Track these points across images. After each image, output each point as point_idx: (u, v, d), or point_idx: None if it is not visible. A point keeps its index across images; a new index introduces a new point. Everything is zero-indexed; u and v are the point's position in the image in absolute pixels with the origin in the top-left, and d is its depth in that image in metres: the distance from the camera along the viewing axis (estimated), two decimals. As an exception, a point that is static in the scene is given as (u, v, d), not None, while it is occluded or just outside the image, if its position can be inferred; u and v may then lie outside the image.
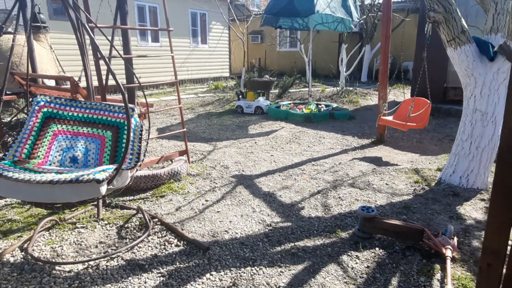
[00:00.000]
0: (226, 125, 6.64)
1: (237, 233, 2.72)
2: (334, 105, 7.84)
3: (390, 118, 5.00)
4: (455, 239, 2.50)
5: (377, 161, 4.44)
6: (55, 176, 2.04)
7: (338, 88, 9.76)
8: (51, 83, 5.92)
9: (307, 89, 10.44)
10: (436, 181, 3.72)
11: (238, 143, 5.33)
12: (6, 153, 2.34)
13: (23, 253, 2.47)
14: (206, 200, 3.31)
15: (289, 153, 4.83)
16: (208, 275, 2.22)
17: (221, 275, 2.22)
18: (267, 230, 2.77)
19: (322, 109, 7.40)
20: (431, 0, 3.35)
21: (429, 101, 4.50)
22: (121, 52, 3.37)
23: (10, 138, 5.31)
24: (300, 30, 9.67)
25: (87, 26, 2.19)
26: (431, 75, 4.46)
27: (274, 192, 3.49)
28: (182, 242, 2.59)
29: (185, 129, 4.12)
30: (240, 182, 3.75)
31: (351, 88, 9.70)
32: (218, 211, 3.08)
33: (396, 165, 4.31)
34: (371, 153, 4.83)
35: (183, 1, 11.44)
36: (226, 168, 4.19)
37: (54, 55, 6.30)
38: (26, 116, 5.76)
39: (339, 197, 3.36)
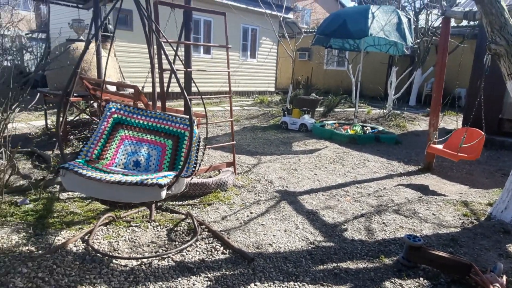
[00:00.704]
0: (270, 139, 6.77)
1: (280, 248, 2.79)
2: (380, 128, 7.73)
3: (440, 146, 4.87)
4: (504, 277, 2.41)
5: (424, 190, 4.34)
6: (122, 177, 2.25)
7: (385, 110, 9.59)
8: (113, 88, 6.38)
9: (352, 109, 10.37)
10: (486, 216, 3.57)
11: (282, 158, 5.42)
12: (80, 152, 2.60)
13: (84, 244, 2.70)
14: (251, 212, 3.42)
15: (332, 173, 4.84)
16: (252, 284, 2.31)
17: (265, 286, 2.30)
18: (310, 247, 2.82)
19: (367, 131, 7.33)
20: (493, 33, 3.29)
21: (483, 133, 4.35)
22: (181, 65, 3.62)
23: (72, 136, 5.78)
24: (350, 51, 9.67)
25: (162, 44, 2.42)
26: (486, 105, 4.31)
27: (317, 211, 3.53)
28: (228, 250, 2.70)
29: (234, 142, 4.29)
30: (283, 198, 3.83)
31: (398, 112, 9.50)
32: (262, 224, 3.18)
33: (444, 195, 4.18)
34: (417, 180, 4.72)
35: (236, 17, 11.89)
36: (270, 182, 4.29)
37: (117, 62, 6.81)
38: (87, 116, 6.20)
39: (383, 223, 3.34)
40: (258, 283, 2.33)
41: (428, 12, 10.29)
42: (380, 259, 2.70)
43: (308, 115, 7.97)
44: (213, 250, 2.70)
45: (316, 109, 9.31)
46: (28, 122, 6.99)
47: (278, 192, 4.01)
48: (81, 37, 6.48)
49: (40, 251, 2.56)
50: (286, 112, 8.15)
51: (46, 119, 6.37)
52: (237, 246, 2.73)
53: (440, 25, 5.29)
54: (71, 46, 5.87)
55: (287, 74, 16.98)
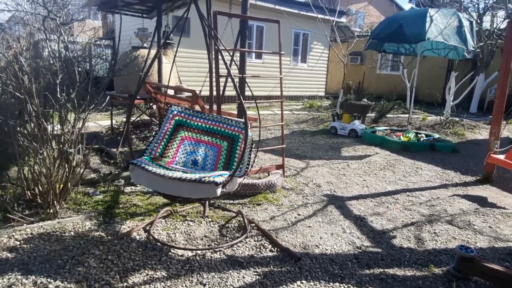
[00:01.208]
0: (319, 144, 6.80)
1: (327, 250, 2.86)
2: (436, 135, 7.41)
3: (501, 157, 4.60)
4: None
5: (481, 201, 4.14)
6: (182, 174, 2.47)
7: (442, 117, 9.16)
8: (171, 91, 6.81)
9: (406, 115, 10.03)
10: (553, 233, 3.34)
11: (331, 163, 5.45)
12: (145, 150, 2.89)
13: (146, 233, 2.97)
14: (299, 214, 3.52)
15: (382, 180, 4.78)
16: (298, 282, 2.41)
17: (311, 285, 2.39)
18: (356, 252, 2.86)
19: (421, 139, 7.07)
20: None
21: (552, 143, 4.05)
22: (237, 71, 3.82)
23: (134, 136, 6.27)
24: (405, 55, 9.37)
25: (221, 51, 2.62)
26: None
27: (365, 217, 3.53)
28: (275, 248, 2.83)
29: (284, 146, 4.42)
30: (331, 202, 3.88)
31: (457, 119, 9.03)
32: (309, 226, 3.26)
33: (504, 208, 3.96)
34: (474, 191, 4.51)
35: (288, 22, 12.03)
36: (318, 186, 4.36)
37: (176, 67, 7.26)
38: (147, 117, 6.65)
39: (435, 233, 3.26)
40: (304, 281, 2.43)
41: (494, 13, 9.67)
42: (429, 268, 2.67)
43: (358, 120, 7.87)
44: (261, 247, 2.84)
45: (367, 115, 9.14)
46: (96, 121, 7.68)
47: (326, 196, 4.06)
48: (145, 45, 7.01)
49: (109, 237, 2.88)
50: (335, 117, 8.12)
51: (111, 119, 6.96)
52: (284, 245, 2.85)
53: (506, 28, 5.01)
54: (136, 53, 6.38)
55: (337, 78, 16.78)
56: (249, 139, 2.80)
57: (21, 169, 3.19)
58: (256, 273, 2.49)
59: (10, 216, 2.99)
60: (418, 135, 7.30)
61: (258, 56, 12.99)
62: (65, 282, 2.27)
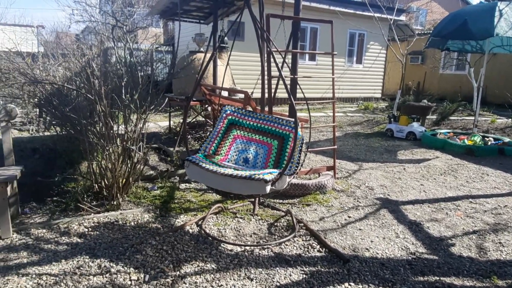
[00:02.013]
0: (373, 147, 6.58)
1: (377, 253, 2.78)
2: (506, 139, 6.79)
3: None
4: None
5: (559, 212, 3.72)
6: (234, 171, 2.56)
7: (513, 120, 8.38)
8: (225, 93, 7.02)
9: (471, 118, 9.32)
10: None
11: (385, 166, 5.25)
12: (200, 148, 3.03)
13: (198, 228, 3.12)
14: (349, 216, 3.45)
15: (442, 185, 4.50)
16: (346, 284, 2.37)
17: None
18: (410, 257, 2.74)
19: (489, 143, 6.53)
20: None
21: None
22: (289, 72, 3.85)
23: (189, 136, 6.56)
24: (472, 53, 8.72)
25: (273, 53, 2.67)
26: None
27: (421, 222, 3.36)
28: (324, 249, 2.81)
29: (336, 147, 4.35)
30: (384, 206, 3.75)
31: (532, 122, 8.19)
32: (360, 229, 3.19)
33: None
34: (551, 201, 4.07)
35: (343, 22, 11.79)
36: (371, 189, 4.23)
37: (230, 70, 7.48)
38: (201, 119, 6.92)
39: (500, 243, 3.01)
40: (352, 284, 2.38)
41: None
42: (492, 279, 2.48)
43: (417, 122, 7.48)
44: (309, 247, 2.84)
45: (428, 117, 8.66)
46: (155, 122, 8.16)
47: (379, 199, 3.93)
48: (201, 49, 7.32)
49: (164, 229, 3.06)
50: (392, 119, 7.79)
51: (169, 120, 7.36)
52: (333, 246, 2.82)
53: None
54: (193, 57, 6.69)
55: (395, 79, 16.05)
56: (299, 138, 2.81)
57: (91, 164, 3.52)
58: (303, 272, 2.50)
59: (81, 205, 3.31)
60: (485, 138, 6.75)
61: (312, 58, 12.89)
62: (126, 267, 2.47)
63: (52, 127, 4.52)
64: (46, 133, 5.05)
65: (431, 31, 10.17)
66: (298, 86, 3.00)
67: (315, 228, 3.16)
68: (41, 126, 5.71)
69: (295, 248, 2.83)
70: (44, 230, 2.96)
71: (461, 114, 10.50)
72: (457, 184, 4.56)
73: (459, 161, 5.65)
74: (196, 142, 6.34)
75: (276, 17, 3.77)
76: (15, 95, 4.15)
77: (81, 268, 2.45)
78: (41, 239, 2.82)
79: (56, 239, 2.84)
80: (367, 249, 2.84)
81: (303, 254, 2.74)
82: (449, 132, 7.33)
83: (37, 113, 5.97)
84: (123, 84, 3.47)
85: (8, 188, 2.87)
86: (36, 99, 4.00)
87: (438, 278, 2.48)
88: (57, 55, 4.92)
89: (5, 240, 2.79)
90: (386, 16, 10.86)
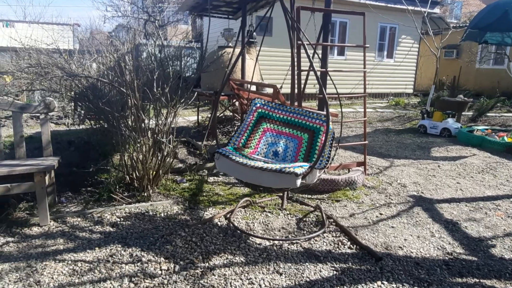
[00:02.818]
0: (405, 143, 6.36)
1: (412, 252, 2.67)
2: (551, 137, 6.38)
3: None
4: None
5: None
6: (264, 164, 2.53)
7: (559, 117, 7.86)
8: (253, 88, 6.99)
9: (511, 114, 8.84)
10: None
11: (418, 163, 5.06)
12: (230, 140, 3.03)
13: (226, 221, 3.12)
14: (380, 214, 3.35)
15: (480, 184, 4.28)
16: (379, 282, 2.30)
17: (393, 287, 2.26)
18: (446, 258, 2.62)
19: (531, 140, 6.15)
20: None
21: None
22: (319, 65, 3.77)
23: (217, 130, 6.61)
24: (511, 46, 8.24)
25: (304, 44, 2.61)
26: None
27: (458, 222, 3.21)
28: (355, 246, 2.74)
29: (366, 142, 4.24)
30: (418, 204, 3.61)
31: None
32: (392, 227, 3.08)
33: None
34: None
35: (374, 16, 11.46)
36: (403, 186, 4.09)
37: (258, 65, 7.45)
38: (229, 113, 6.95)
39: (546, 246, 2.82)
40: (385, 282, 2.30)
41: None
42: (538, 284, 2.32)
43: (452, 119, 7.17)
44: (339, 244, 2.77)
45: (463, 113, 8.28)
46: (184, 117, 8.28)
47: (412, 197, 3.79)
48: (230, 44, 7.33)
49: (193, 221, 3.09)
50: (425, 115, 7.51)
51: (198, 114, 7.43)
52: (364, 243, 2.74)
53: None
54: (222, 52, 6.70)
55: (428, 74, 15.47)
56: (330, 131, 2.75)
57: (123, 156, 3.60)
58: (333, 268, 2.44)
59: (113, 196, 3.40)
60: (527, 136, 6.36)
61: (341, 52, 12.65)
62: (156, 257, 2.51)
63: (86, 120, 4.67)
64: (82, 126, 5.23)
65: (467, 24, 9.69)
66: (330, 79, 2.93)
67: (345, 225, 3.08)
68: (76, 119, 5.92)
69: (324, 244, 2.78)
70: (79, 219, 3.06)
71: (500, 111, 9.97)
72: (496, 183, 4.33)
73: (498, 159, 5.36)
74: (224, 136, 6.37)
75: (307, 9, 3.70)
76: (53, 89, 4.31)
77: (113, 256, 2.51)
78: (76, 227, 2.92)
79: (90, 227, 2.92)
80: (400, 247, 2.75)
81: (333, 250, 2.68)
82: (486, 129, 6.98)
83: (72, 107, 6.19)
84: (154, 77, 3.52)
85: (46, 178, 2.98)
86: (72, 93, 4.13)
87: (477, 280, 2.35)
88: (93, 52, 5.06)
89: (43, 227, 2.90)
90: (420, 8, 10.44)
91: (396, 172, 4.60)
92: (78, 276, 2.29)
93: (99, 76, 4.05)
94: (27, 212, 3.14)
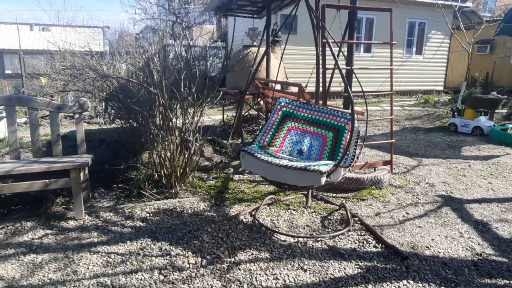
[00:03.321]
0: (434, 142, 6.20)
1: (439, 252, 2.63)
2: None
3: None
4: None
5: None
6: (288, 162, 2.56)
7: None
8: (277, 87, 7.01)
9: (550, 112, 8.40)
10: None
11: (448, 163, 4.93)
12: (255, 139, 3.08)
13: (251, 218, 3.17)
14: (407, 213, 3.30)
15: (513, 184, 4.13)
16: (405, 281, 2.28)
17: (419, 286, 2.24)
18: (475, 258, 2.56)
19: None
20: None
21: None
22: (344, 63, 3.75)
23: (243, 129, 6.68)
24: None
25: (329, 43, 2.62)
26: None
27: (488, 222, 3.12)
28: (380, 245, 2.72)
29: (393, 140, 4.18)
30: (446, 203, 3.53)
31: None
32: (419, 226, 3.04)
33: None
34: None
35: (402, 11, 11.18)
36: (431, 186, 4.00)
37: (283, 64, 7.46)
38: (254, 112, 6.99)
39: None
40: (411, 281, 2.28)
41: None
42: None
43: (484, 116, 6.91)
44: (364, 242, 2.76)
45: (497, 111, 7.95)
46: (209, 116, 8.42)
47: (440, 196, 3.71)
48: (255, 43, 7.39)
49: (219, 218, 3.16)
50: (456, 113, 7.27)
51: (223, 113, 7.54)
52: (390, 242, 2.72)
53: None
54: (246, 51, 6.77)
55: (459, 71, 14.92)
56: (355, 130, 2.74)
57: (151, 154, 3.73)
58: (358, 266, 2.44)
59: (143, 192, 3.53)
60: None
61: (367, 49, 12.43)
62: (184, 251, 2.60)
63: (116, 120, 4.85)
64: (112, 125, 5.44)
65: (501, 18, 9.28)
66: (355, 78, 2.92)
67: (370, 223, 3.07)
68: (107, 119, 6.16)
69: (349, 242, 2.78)
70: (111, 214, 3.21)
71: (537, 108, 9.49)
72: (531, 183, 4.16)
73: (534, 159, 5.14)
74: (249, 135, 6.44)
75: (332, 7, 3.69)
76: (86, 90, 4.52)
77: (144, 249, 2.62)
78: (109, 222, 3.06)
79: (121, 222, 3.06)
80: (427, 247, 2.71)
81: (358, 249, 2.68)
82: (522, 127, 6.68)
83: (104, 107, 6.45)
84: (182, 77, 3.62)
85: (81, 174, 3.14)
86: (104, 93, 4.31)
87: (508, 282, 2.29)
88: (122, 53, 5.25)
89: (78, 221, 3.06)
90: (450, 2, 10.10)
91: (424, 172, 4.50)
92: (111, 267, 2.41)
93: (129, 77, 4.20)
94: (64, 206, 3.32)
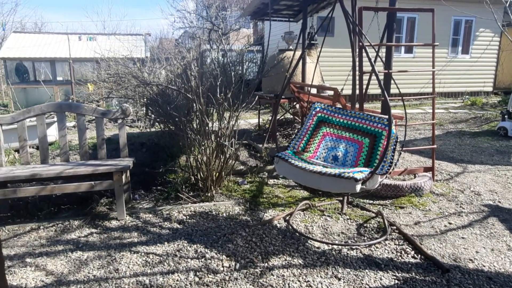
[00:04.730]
0: (481, 147, 5.85)
1: (484, 266, 2.49)
2: None
3: None
4: None
5: None
6: (323, 168, 2.54)
7: None
8: (313, 90, 6.95)
9: None
10: None
11: (496, 170, 4.63)
12: (289, 144, 3.08)
13: (285, 223, 3.17)
14: (449, 223, 3.15)
15: None
16: (445, 295, 2.18)
17: (461, 301, 2.13)
18: (525, 274, 2.39)
19: None
20: None
21: None
22: (382, 67, 3.66)
23: (277, 133, 6.69)
24: None
25: (366, 47, 2.57)
26: None
27: (541, 236, 2.90)
28: (419, 256, 2.62)
29: (435, 146, 4.00)
30: (494, 213, 3.32)
31: None
32: (462, 237, 2.89)
33: None
34: None
35: (446, 9, 10.67)
36: (477, 194, 3.78)
37: (319, 67, 7.39)
38: (289, 116, 6.98)
39: None
40: (452, 296, 2.18)
41: None
42: None
43: (539, 120, 6.42)
44: (402, 252, 2.67)
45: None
46: (245, 119, 8.51)
47: (487, 206, 3.50)
48: (290, 47, 7.38)
49: (253, 222, 3.19)
50: (506, 116, 6.82)
51: (259, 117, 7.59)
52: (430, 253, 2.61)
53: None
54: (282, 55, 6.78)
55: (511, 70, 13.97)
56: (393, 136, 2.66)
57: (188, 157, 3.84)
58: (395, 277, 2.37)
59: (180, 195, 3.64)
60: None
61: (409, 50, 11.99)
62: (218, 254, 2.65)
63: (156, 124, 5.05)
64: (152, 129, 5.66)
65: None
66: (393, 82, 2.83)
67: (409, 233, 2.96)
68: (147, 123, 6.42)
69: (386, 251, 2.70)
70: (150, 215, 3.34)
71: None
72: None
73: None
74: (284, 139, 6.44)
75: (370, 9, 3.61)
76: (128, 96, 4.75)
77: (180, 251, 2.71)
78: (148, 223, 3.19)
79: (160, 223, 3.18)
80: (471, 260, 2.57)
81: (395, 259, 2.59)
82: None
83: (144, 111, 6.74)
84: (218, 83, 3.70)
85: (123, 177, 3.30)
86: (145, 99, 4.51)
87: None
88: (162, 59, 5.46)
89: (120, 221, 3.22)
90: (501, -2, 9.50)
91: (470, 179, 4.27)
92: (150, 267, 2.51)
93: (168, 83, 4.36)
94: (107, 207, 3.50)
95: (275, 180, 4.32)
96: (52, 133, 5.90)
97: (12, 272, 2.48)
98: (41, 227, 3.14)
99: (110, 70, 4.74)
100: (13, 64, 12.61)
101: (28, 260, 2.63)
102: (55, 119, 4.71)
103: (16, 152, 5.14)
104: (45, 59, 12.49)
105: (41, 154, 3.55)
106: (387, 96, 2.41)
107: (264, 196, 3.81)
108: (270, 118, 7.78)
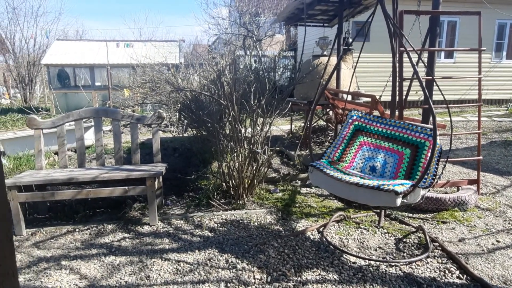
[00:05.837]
0: (531, 159, 5.44)
1: (541, 292, 2.26)
2: None
3: None
4: None
5: None
6: (360, 180, 2.42)
7: None
8: (348, 97, 6.76)
9: None
10: None
11: (549, 184, 4.27)
12: (324, 153, 2.97)
13: (319, 234, 3.05)
14: (498, 241, 2.91)
15: None
16: (497, 323, 1.99)
17: (516, 331, 1.93)
18: None
19: None
20: None
21: None
22: (423, 73, 3.47)
23: (311, 140, 6.55)
24: None
25: (409, 52, 2.43)
26: None
27: None
28: (465, 276, 2.42)
29: (481, 157, 3.74)
30: (549, 233, 3.04)
31: None
32: (514, 258, 2.65)
33: None
34: None
35: (490, 12, 10.13)
36: (528, 211, 3.49)
37: (354, 73, 7.20)
38: (323, 123, 6.81)
39: None
40: (505, 324, 1.98)
41: None
42: None
43: None
44: (446, 271, 2.48)
45: None
46: (278, 126, 8.43)
47: (541, 224, 3.21)
48: (325, 52, 7.25)
49: (286, 232, 3.10)
50: (559, 126, 6.32)
51: (291, 124, 7.49)
52: (477, 274, 2.41)
53: None
54: (317, 61, 6.66)
55: None
56: (437, 147, 2.50)
57: (220, 164, 3.81)
58: (439, 300, 2.19)
59: (211, 202, 3.62)
60: None
61: (449, 55, 11.48)
62: (250, 265, 2.58)
63: (189, 129, 5.09)
64: (185, 135, 5.71)
65: None
66: (437, 88, 2.67)
67: (453, 250, 2.75)
68: (180, 128, 6.51)
69: (428, 270, 2.52)
70: (182, 222, 3.33)
71: None
72: None
73: None
74: (317, 146, 6.30)
75: (411, 13, 3.45)
76: (162, 102, 4.81)
77: (211, 260, 2.66)
78: (179, 229, 3.18)
79: (191, 230, 3.16)
80: (525, 284, 2.34)
81: (438, 279, 2.41)
82: None
83: (177, 117, 6.83)
84: (252, 90, 3.65)
85: (156, 183, 3.32)
86: (178, 105, 4.55)
87: None
88: (195, 65, 5.51)
89: (152, 226, 3.23)
90: (552, -1, 8.89)
91: (519, 193, 3.95)
92: (180, 275, 2.48)
93: (201, 88, 4.38)
94: (140, 212, 3.53)
95: (308, 188, 4.20)
96: (90, 137, 6.10)
97: (48, 274, 2.53)
98: (77, 230, 3.20)
99: (145, 76, 4.84)
100: (56, 70, 13.29)
101: (63, 262, 2.68)
102: (93, 123, 4.86)
103: (56, 155, 5.35)
104: (85, 65, 13.08)
105: (78, 158, 3.65)
106: (431, 104, 2.26)
107: (297, 205, 3.71)
108: (302, 124, 7.66)
